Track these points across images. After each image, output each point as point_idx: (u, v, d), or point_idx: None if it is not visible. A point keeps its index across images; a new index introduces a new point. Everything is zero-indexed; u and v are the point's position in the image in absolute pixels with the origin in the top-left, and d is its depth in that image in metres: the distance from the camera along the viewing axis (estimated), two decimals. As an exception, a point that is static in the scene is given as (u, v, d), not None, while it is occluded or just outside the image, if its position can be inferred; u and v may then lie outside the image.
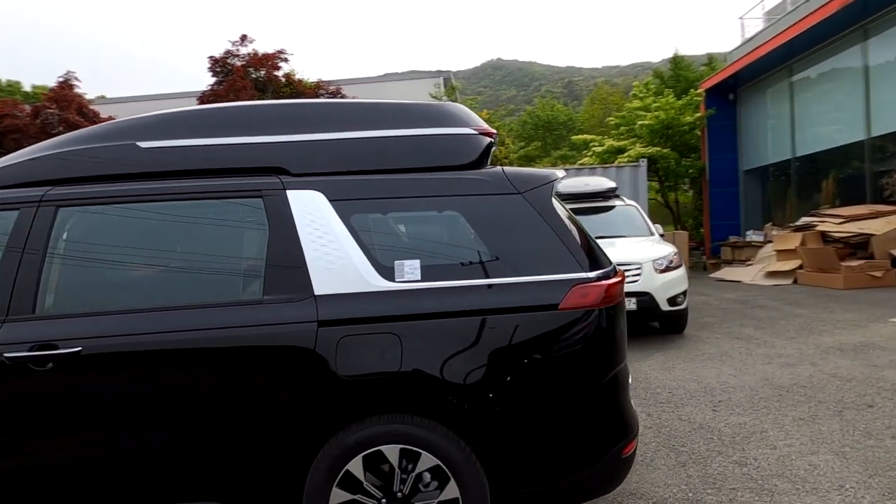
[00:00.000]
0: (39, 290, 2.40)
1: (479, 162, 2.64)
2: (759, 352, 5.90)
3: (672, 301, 6.51)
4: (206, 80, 12.19)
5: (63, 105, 11.58)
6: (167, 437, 2.31)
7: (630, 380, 2.74)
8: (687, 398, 4.58)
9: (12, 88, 32.35)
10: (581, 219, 8.34)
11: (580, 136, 19.07)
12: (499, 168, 2.61)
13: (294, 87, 11.49)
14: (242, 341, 2.33)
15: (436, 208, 2.54)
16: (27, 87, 32.63)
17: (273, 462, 2.31)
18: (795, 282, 11.18)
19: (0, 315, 2.36)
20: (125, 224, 2.53)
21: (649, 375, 5.28)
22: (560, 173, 2.82)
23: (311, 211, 2.45)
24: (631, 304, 6.37)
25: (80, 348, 2.28)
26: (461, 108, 2.77)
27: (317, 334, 2.30)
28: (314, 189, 2.48)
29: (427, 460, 2.31)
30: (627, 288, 6.31)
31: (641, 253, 6.69)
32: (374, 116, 2.66)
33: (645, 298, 6.40)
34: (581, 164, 17.47)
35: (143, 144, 2.58)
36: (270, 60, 11.67)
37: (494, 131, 2.81)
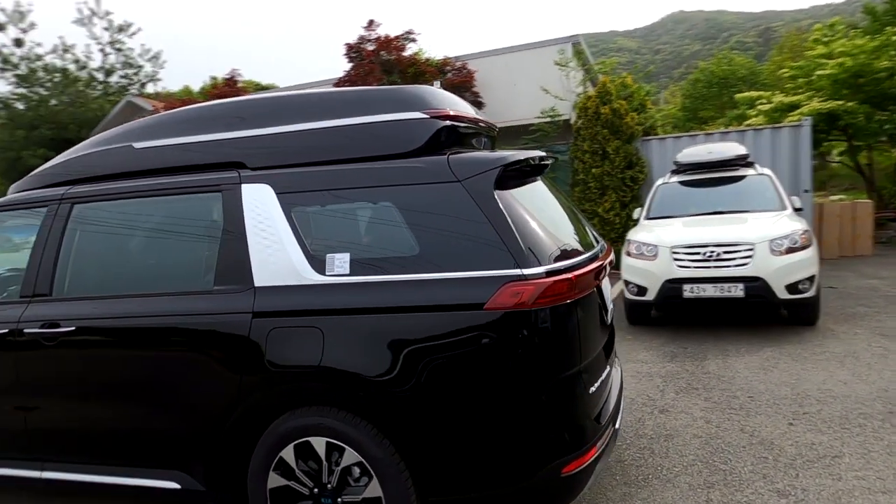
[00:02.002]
0: (56, 275, 2.81)
1: (429, 147, 2.48)
2: (900, 354, 4.80)
3: (793, 288, 5.53)
4: (343, 67, 12.92)
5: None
6: (136, 409, 2.59)
7: (595, 387, 2.43)
8: (766, 406, 3.91)
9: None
10: (701, 191, 7.47)
11: (745, 94, 16.66)
12: (444, 155, 2.42)
13: (417, 66, 11.73)
14: (194, 328, 2.50)
15: (372, 199, 2.45)
16: (238, 84, 37.22)
17: (224, 440, 2.47)
18: None
19: (28, 296, 2.81)
20: (113, 218, 2.83)
21: (738, 374, 4.59)
22: (525, 154, 2.55)
23: (259, 204, 2.51)
24: (737, 290, 5.56)
25: (74, 327, 2.65)
26: (419, 91, 2.62)
27: (251, 325, 2.39)
28: (264, 182, 2.54)
29: (351, 456, 2.30)
30: (733, 273, 5.56)
31: (756, 231, 5.76)
32: (326, 106, 2.63)
33: (756, 284, 5.52)
34: (748, 125, 15.41)
35: (137, 145, 2.86)
36: (395, 42, 12.03)
37: (454, 113, 2.61)
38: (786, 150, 10.50)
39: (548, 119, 11.46)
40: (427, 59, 12.30)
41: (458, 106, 2.79)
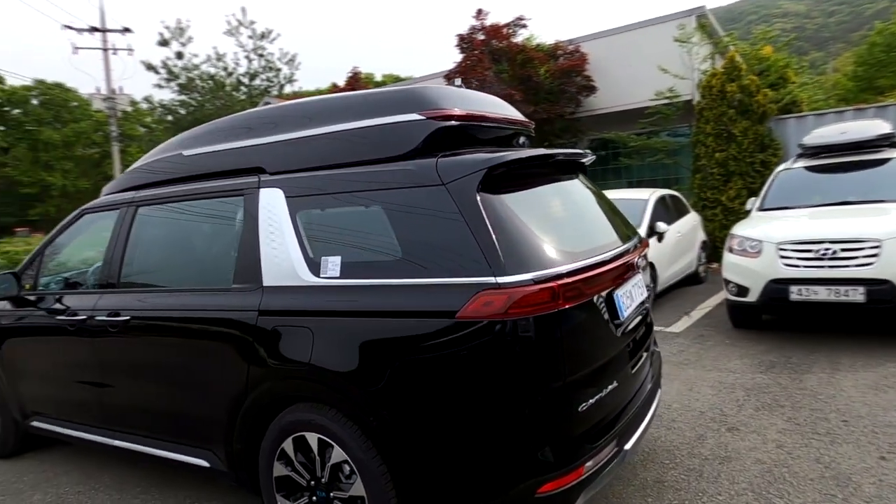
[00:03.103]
0: (122, 270, 3.19)
1: (427, 149, 2.44)
2: None
3: (931, 294, 4.64)
4: (453, 58, 13.01)
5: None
6: (175, 392, 2.89)
7: (590, 404, 2.25)
8: (860, 433, 3.34)
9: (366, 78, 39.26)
10: (830, 178, 6.60)
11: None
12: (434, 157, 2.36)
13: (526, 53, 11.45)
14: (215, 321, 2.71)
15: (365, 203, 2.46)
16: (378, 77, 38.69)
17: (239, 427, 2.66)
18: None
19: (102, 287, 3.24)
20: (161, 221, 3.15)
21: (841, 393, 3.97)
22: (522, 154, 2.42)
23: (271, 207, 2.65)
24: (857, 294, 4.79)
25: (129, 317, 3.00)
26: (419, 91, 2.58)
27: (257, 322, 2.54)
28: (277, 187, 2.67)
29: (339, 454, 2.36)
30: (852, 273, 4.84)
31: (886, 226, 4.89)
32: (333, 111, 2.69)
33: (881, 288, 4.70)
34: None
35: (186, 153, 3.15)
36: (505, 30, 11.84)
37: (462, 113, 2.54)
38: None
39: (664, 101, 10.63)
40: (537, 45, 11.99)
41: (472, 105, 2.70)
